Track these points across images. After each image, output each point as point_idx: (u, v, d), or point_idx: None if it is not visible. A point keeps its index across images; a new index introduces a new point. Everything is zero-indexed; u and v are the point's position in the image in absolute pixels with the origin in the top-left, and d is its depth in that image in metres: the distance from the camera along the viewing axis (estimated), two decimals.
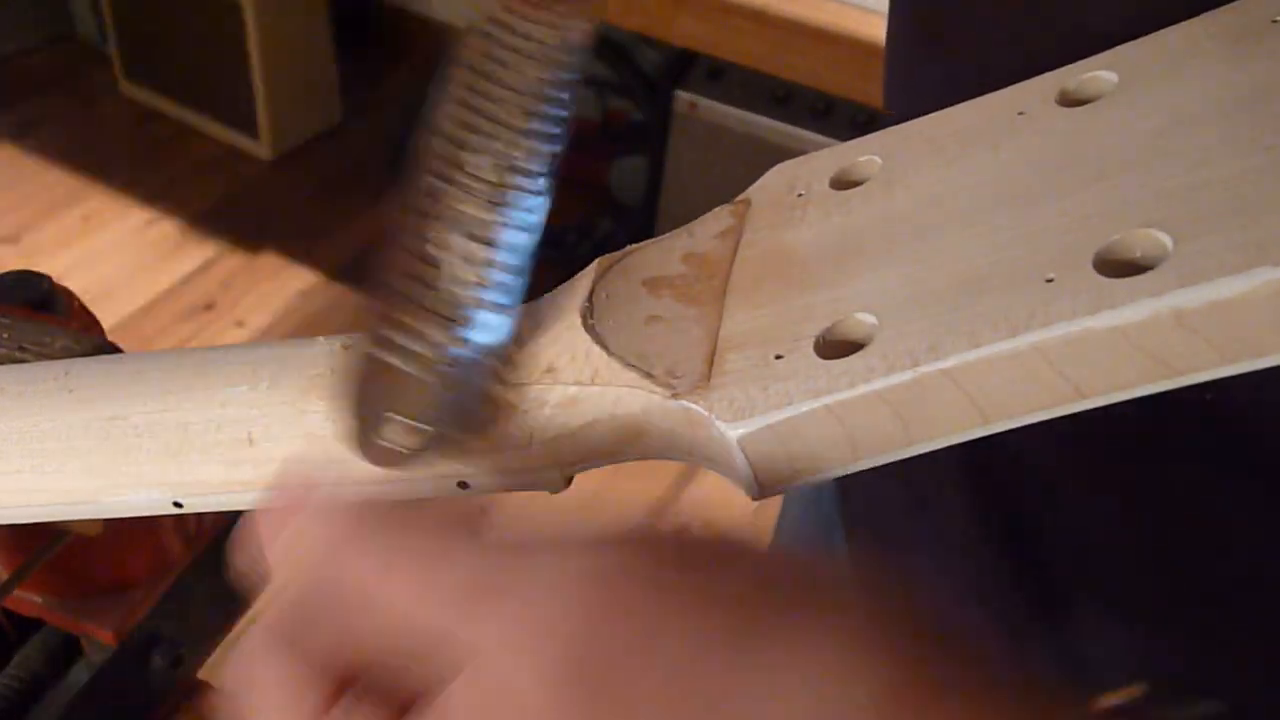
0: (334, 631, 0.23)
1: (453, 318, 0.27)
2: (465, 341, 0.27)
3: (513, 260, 0.28)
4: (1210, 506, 0.33)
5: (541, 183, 0.28)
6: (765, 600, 0.21)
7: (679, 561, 0.22)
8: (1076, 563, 0.39)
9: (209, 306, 1.93)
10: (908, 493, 0.47)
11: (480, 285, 0.27)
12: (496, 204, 0.28)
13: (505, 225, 0.28)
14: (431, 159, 0.29)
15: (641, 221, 1.85)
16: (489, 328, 0.27)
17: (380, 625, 0.22)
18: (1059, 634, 0.40)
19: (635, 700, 0.19)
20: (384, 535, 0.22)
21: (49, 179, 2.15)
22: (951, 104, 0.29)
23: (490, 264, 0.27)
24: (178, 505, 0.31)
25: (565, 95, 0.30)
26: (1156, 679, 0.37)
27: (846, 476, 0.25)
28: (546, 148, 0.29)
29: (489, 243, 0.28)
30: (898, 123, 0.30)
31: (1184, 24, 0.26)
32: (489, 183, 0.28)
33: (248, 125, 2.20)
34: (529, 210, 0.28)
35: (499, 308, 0.27)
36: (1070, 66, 0.27)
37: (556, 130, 0.29)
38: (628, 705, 0.19)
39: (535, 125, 0.29)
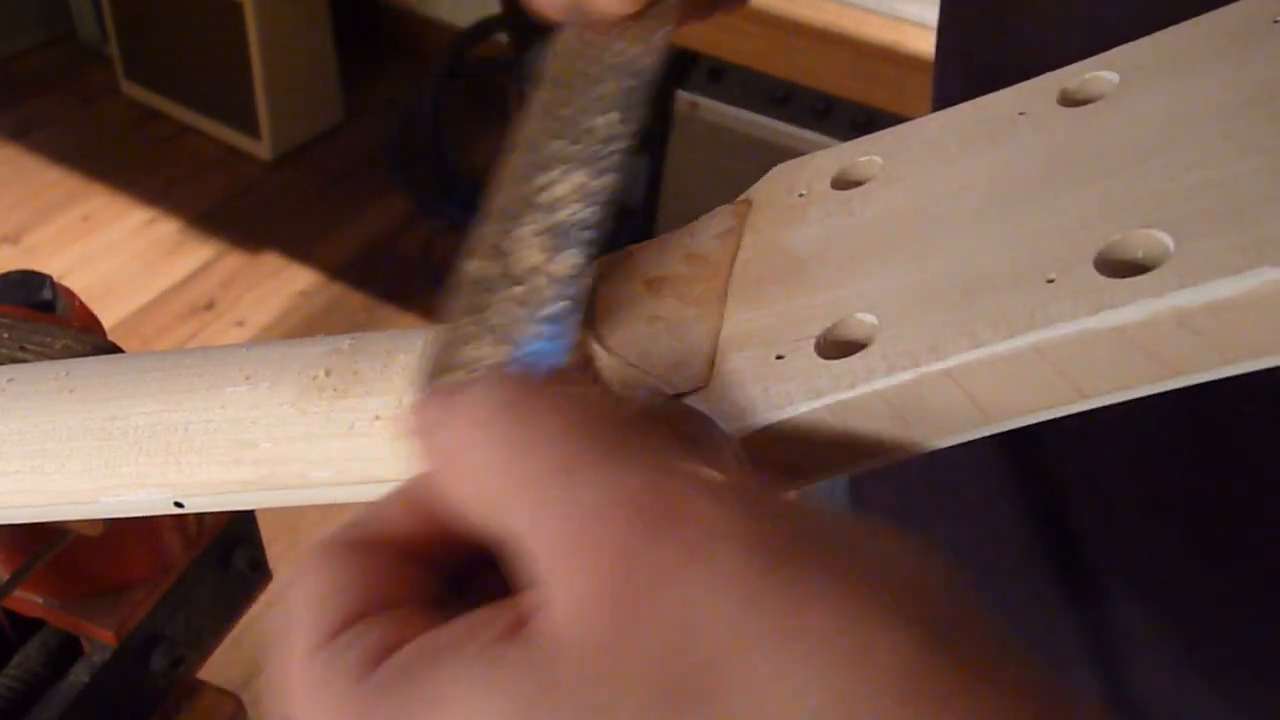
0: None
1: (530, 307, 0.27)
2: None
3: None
4: (1259, 505, 0.33)
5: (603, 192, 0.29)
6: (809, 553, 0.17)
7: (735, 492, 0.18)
8: (1112, 544, 0.39)
9: (209, 306, 1.93)
10: (929, 471, 0.47)
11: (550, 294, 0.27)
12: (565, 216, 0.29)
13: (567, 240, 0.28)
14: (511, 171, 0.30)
15: (641, 221, 1.85)
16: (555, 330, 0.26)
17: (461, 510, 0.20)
18: (1087, 613, 0.40)
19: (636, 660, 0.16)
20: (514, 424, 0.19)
21: (49, 179, 2.15)
22: None
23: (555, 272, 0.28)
24: (178, 505, 0.31)
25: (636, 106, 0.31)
26: (1189, 666, 0.37)
27: None
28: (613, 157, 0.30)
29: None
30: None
31: (1184, 24, 0.26)
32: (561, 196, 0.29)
33: (248, 125, 2.20)
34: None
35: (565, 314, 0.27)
36: (1071, 66, 0.27)
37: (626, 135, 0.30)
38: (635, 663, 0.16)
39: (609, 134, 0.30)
